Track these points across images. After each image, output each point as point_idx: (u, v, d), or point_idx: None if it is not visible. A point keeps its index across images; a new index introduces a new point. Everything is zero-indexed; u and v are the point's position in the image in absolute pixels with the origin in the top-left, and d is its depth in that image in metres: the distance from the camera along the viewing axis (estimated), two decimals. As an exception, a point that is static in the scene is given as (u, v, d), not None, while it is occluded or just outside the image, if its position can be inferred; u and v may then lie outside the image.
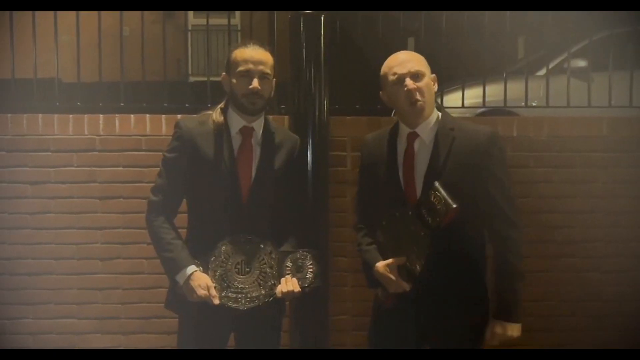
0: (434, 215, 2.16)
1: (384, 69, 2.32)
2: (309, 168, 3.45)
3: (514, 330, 2.28)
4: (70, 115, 3.71)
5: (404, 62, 2.28)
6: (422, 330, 2.32)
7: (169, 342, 3.60)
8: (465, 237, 2.28)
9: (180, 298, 2.31)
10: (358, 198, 2.52)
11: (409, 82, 2.24)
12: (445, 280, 2.26)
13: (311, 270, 2.34)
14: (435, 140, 2.27)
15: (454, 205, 2.12)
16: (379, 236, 2.33)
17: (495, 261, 2.29)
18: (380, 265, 2.28)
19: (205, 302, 2.24)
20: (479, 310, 2.31)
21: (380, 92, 2.37)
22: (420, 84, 2.25)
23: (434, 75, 2.33)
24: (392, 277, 2.24)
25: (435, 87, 2.33)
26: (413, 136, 2.30)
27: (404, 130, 2.32)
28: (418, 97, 2.24)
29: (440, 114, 2.34)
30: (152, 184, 2.40)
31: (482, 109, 4.39)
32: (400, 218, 2.24)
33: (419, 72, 2.26)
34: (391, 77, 2.28)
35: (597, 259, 3.78)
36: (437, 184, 2.17)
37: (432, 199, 2.16)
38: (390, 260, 2.26)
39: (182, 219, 2.42)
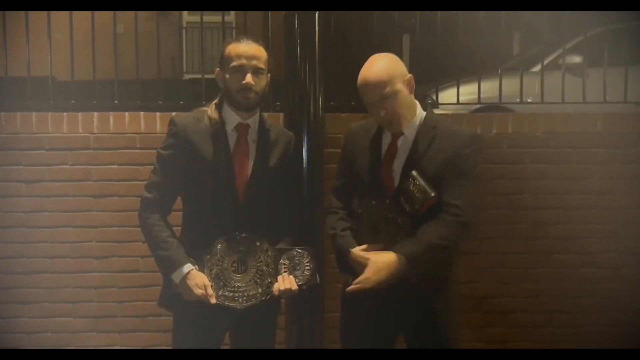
0: (412, 203, 2.23)
1: (358, 82, 2.32)
2: (304, 165, 3.45)
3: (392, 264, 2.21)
4: (65, 114, 3.69)
5: (373, 86, 2.27)
6: (394, 317, 2.36)
7: (164, 340, 3.59)
8: None
9: (174, 296, 2.30)
10: (337, 184, 2.55)
11: (380, 110, 2.27)
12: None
13: (308, 267, 2.33)
14: (417, 137, 2.33)
15: (432, 194, 2.20)
16: (355, 223, 2.38)
17: (427, 227, 2.24)
18: (357, 250, 2.30)
19: (202, 301, 2.24)
20: (444, 296, 2.35)
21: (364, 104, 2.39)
22: (392, 105, 2.27)
23: (409, 76, 2.33)
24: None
25: (413, 88, 2.34)
26: (398, 134, 2.36)
27: None
28: (390, 118, 2.29)
29: (424, 113, 2.38)
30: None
31: (477, 106, 4.39)
32: (378, 206, 2.30)
33: (389, 93, 2.27)
34: (365, 99, 2.32)
35: (592, 255, 3.78)
36: (415, 172, 2.24)
37: (410, 188, 2.23)
38: (366, 246, 2.29)
39: (173, 217, 2.40)
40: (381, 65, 2.30)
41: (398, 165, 2.32)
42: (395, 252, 2.23)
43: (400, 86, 2.29)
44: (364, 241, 2.32)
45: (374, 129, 2.41)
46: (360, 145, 2.42)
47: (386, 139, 2.37)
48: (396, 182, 2.31)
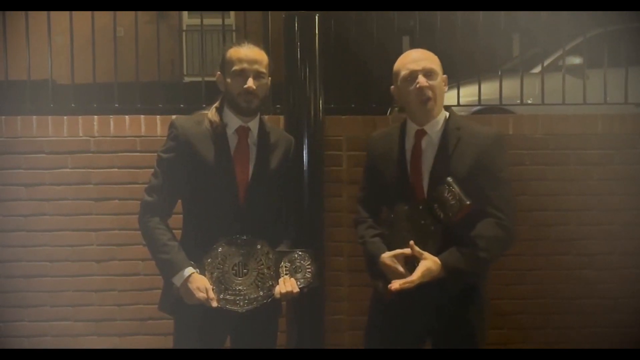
0: (447, 210, 2.19)
1: (398, 64, 2.35)
2: (304, 168, 3.45)
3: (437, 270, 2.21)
4: (65, 117, 3.69)
5: (418, 59, 2.30)
6: (422, 325, 2.33)
7: (164, 343, 3.59)
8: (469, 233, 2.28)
9: (174, 300, 2.30)
10: (363, 192, 2.52)
11: (421, 79, 2.26)
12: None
13: (309, 270, 2.33)
14: (442, 139, 2.31)
15: (468, 202, 2.16)
16: (386, 229, 2.35)
17: (468, 241, 2.24)
18: (387, 256, 2.28)
19: (203, 305, 2.23)
20: (476, 307, 2.32)
21: (392, 87, 2.39)
22: (432, 83, 2.28)
23: (445, 75, 2.35)
24: (399, 268, 2.24)
25: (446, 88, 2.36)
26: (421, 134, 2.34)
27: (412, 127, 2.36)
28: (429, 94, 2.27)
29: (448, 113, 2.38)
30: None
31: (478, 107, 4.39)
32: (410, 212, 2.27)
33: (433, 70, 2.29)
34: (404, 73, 2.30)
35: (591, 257, 3.78)
36: (450, 179, 2.20)
37: (445, 194, 2.19)
38: (397, 251, 2.26)
39: (174, 220, 2.40)
40: (428, 51, 2.35)
41: (426, 168, 2.30)
42: (441, 260, 2.21)
43: (442, 76, 2.32)
44: (396, 246, 2.28)
45: (395, 134, 2.40)
46: (383, 151, 2.40)
47: (409, 141, 2.35)
48: (425, 186, 2.29)
